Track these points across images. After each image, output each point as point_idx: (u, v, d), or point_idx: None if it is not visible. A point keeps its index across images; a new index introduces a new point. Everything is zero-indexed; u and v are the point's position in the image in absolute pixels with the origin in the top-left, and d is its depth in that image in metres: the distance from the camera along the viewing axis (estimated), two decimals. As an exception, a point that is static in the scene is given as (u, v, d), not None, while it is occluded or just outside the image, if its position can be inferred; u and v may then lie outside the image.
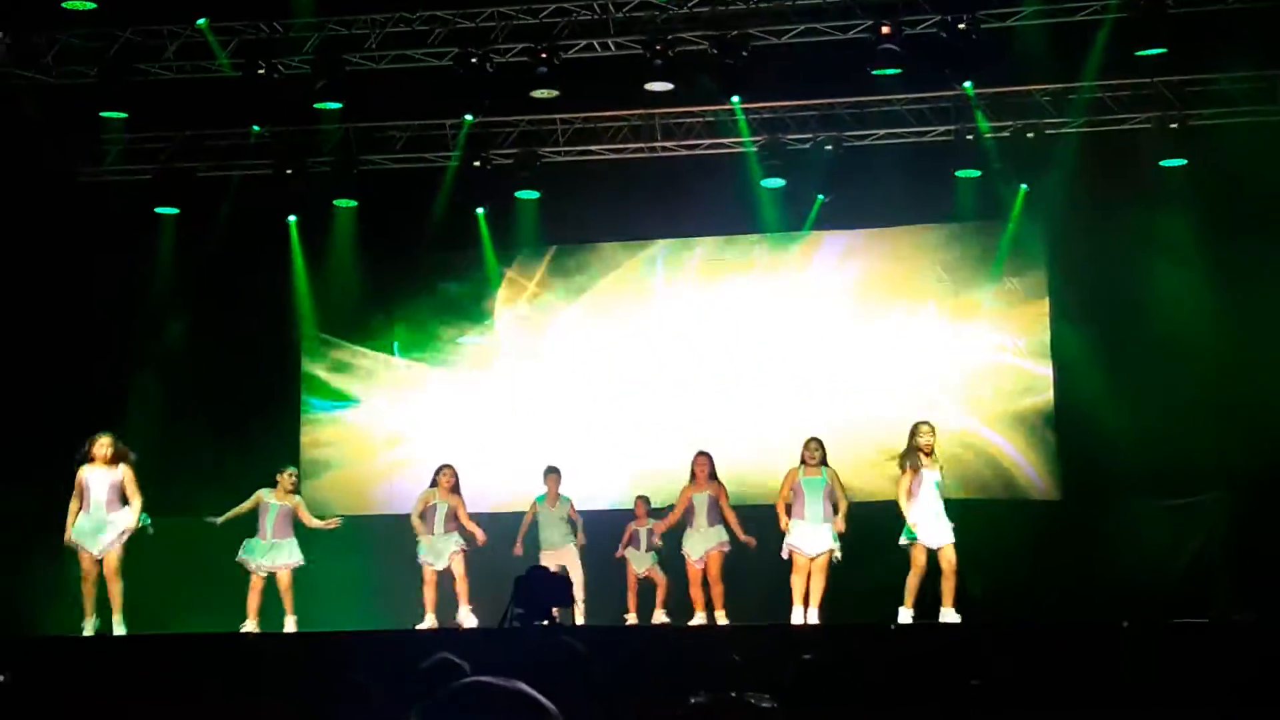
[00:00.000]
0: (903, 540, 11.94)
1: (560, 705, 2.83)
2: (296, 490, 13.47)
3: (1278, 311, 13.54)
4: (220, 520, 13.18)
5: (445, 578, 13.20)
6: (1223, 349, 13.88)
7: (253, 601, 13.06)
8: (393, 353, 16.14)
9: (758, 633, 11.40)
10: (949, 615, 11.77)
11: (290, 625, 13.10)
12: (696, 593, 13.03)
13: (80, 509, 12.17)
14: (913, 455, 12.00)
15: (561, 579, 11.59)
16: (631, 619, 13.51)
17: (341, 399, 16.10)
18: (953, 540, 11.89)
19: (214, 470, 14.03)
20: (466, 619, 12.96)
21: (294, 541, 13.27)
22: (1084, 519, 13.95)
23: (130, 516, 12.19)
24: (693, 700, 5.07)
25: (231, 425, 14.94)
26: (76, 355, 14.89)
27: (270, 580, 13.17)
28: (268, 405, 15.53)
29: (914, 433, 12.11)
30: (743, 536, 12.87)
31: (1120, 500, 13.88)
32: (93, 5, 12.46)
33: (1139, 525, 13.61)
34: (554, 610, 10.98)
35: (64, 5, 12.45)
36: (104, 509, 12.15)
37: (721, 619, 12.80)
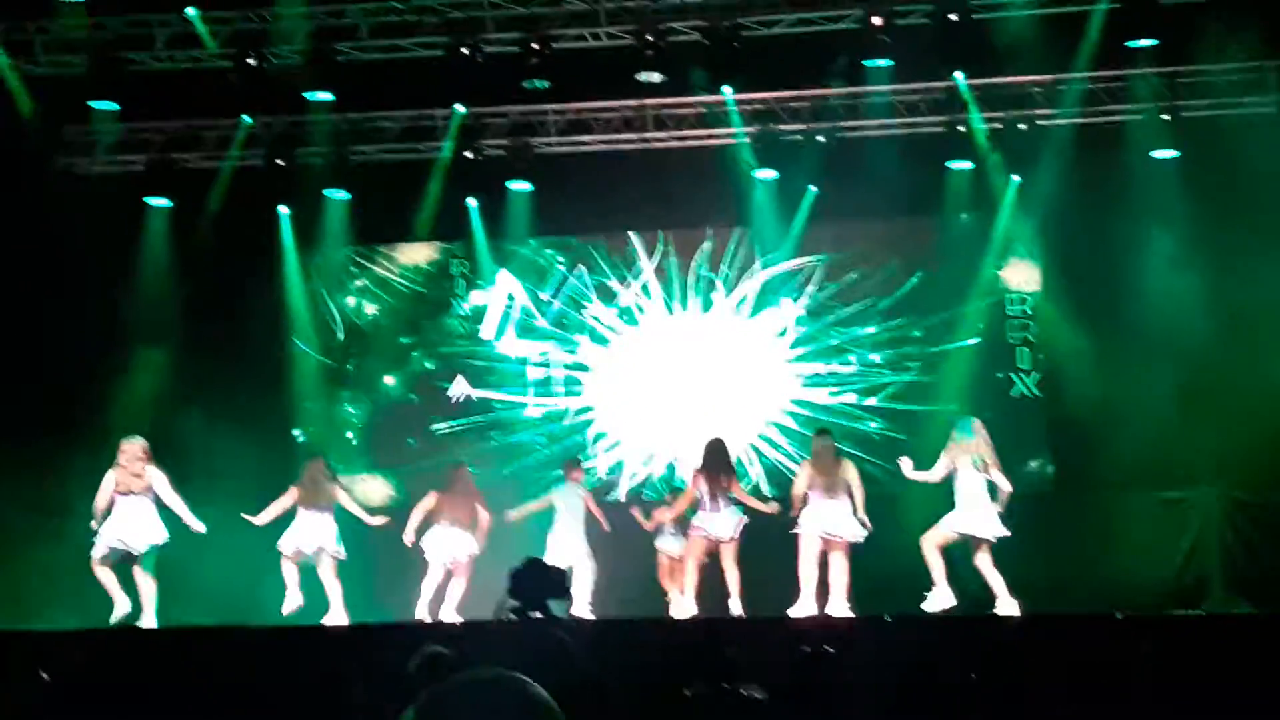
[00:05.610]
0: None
1: (552, 698, 2.81)
2: (332, 478, 12.93)
3: (1271, 302, 13.52)
4: (261, 520, 12.65)
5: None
6: (1216, 340, 13.87)
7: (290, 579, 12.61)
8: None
9: (762, 625, 11.29)
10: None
11: (333, 612, 12.61)
12: (732, 569, 12.32)
13: (107, 510, 12.07)
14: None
15: (559, 571, 11.49)
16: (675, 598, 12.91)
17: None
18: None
19: (205, 461, 13.94)
20: (452, 616, 12.82)
21: (329, 527, 12.68)
22: (1077, 511, 13.94)
23: (161, 527, 12.11)
24: (687, 692, 5.06)
25: (223, 415, 14.84)
26: (64, 346, 14.80)
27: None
28: (259, 396, 15.44)
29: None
30: (764, 508, 12.44)
31: (1113, 493, 13.88)
32: (83, -5, 12.41)
33: (1133, 518, 13.60)
34: (552, 603, 10.88)
35: (53, -5, 12.41)
36: (136, 511, 12.05)
37: (738, 607, 12.20)
